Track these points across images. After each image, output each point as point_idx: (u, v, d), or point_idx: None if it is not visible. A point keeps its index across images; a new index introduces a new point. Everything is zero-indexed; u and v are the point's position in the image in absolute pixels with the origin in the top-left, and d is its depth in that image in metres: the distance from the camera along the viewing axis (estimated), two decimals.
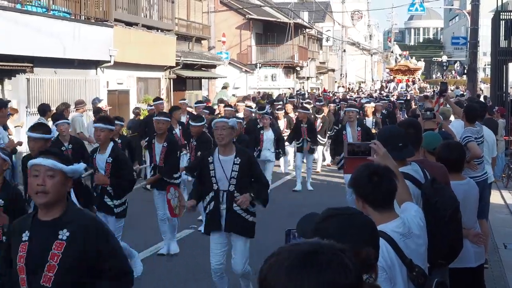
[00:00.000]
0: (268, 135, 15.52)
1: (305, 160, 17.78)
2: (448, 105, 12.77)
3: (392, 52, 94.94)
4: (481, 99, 25.65)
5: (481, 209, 8.10)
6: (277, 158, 16.60)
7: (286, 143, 17.62)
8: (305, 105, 21.02)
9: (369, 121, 16.93)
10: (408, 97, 35.56)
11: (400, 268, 3.58)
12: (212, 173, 7.68)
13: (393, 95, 38.50)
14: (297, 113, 19.21)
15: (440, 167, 5.63)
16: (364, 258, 2.59)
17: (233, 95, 29.86)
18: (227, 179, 7.63)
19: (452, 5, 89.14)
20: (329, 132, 20.27)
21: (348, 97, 33.09)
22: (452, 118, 12.44)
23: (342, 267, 1.90)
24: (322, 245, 1.95)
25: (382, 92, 51.01)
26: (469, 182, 6.34)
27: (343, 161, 4.53)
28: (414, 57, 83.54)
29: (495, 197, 13.60)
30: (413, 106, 23.27)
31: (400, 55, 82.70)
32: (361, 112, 17.74)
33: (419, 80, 70.97)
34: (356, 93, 46.78)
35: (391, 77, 68.48)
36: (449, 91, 28.67)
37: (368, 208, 3.69)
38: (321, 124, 19.88)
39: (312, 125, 17.63)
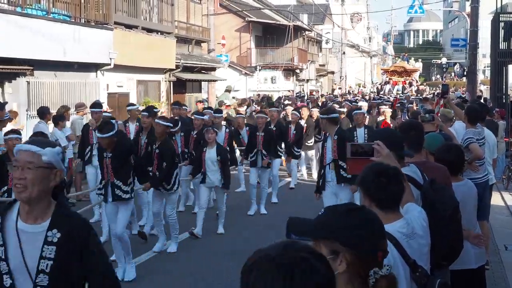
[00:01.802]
0: (211, 154, 12.26)
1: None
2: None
3: (386, 53, 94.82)
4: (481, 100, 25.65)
5: (482, 210, 8.12)
6: (225, 187, 12.54)
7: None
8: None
9: (360, 132, 14.27)
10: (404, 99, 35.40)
11: (403, 268, 3.60)
12: (1, 254, 3.63)
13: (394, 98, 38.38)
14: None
15: (441, 169, 5.64)
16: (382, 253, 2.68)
17: (233, 97, 29.85)
18: (28, 274, 3.61)
19: (452, 7, 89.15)
20: (318, 136, 18.55)
21: (343, 99, 33.01)
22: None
23: (310, 269, 2.01)
24: (287, 250, 2.06)
25: (379, 94, 50.80)
26: (467, 183, 6.35)
27: (346, 162, 4.40)
28: (412, 58, 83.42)
29: (495, 199, 13.64)
30: (415, 108, 23.24)
31: (397, 57, 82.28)
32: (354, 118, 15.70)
33: (417, 81, 70.68)
34: (354, 95, 46.74)
35: (387, 79, 68.05)
36: (451, 94, 28.69)
37: (374, 207, 3.72)
38: (305, 126, 18.32)
39: (270, 133, 14.99)
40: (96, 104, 13.79)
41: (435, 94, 33.30)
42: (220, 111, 16.05)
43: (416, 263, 3.67)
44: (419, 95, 47.74)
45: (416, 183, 4.82)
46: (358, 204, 2.94)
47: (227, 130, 14.66)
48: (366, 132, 14.22)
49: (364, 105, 19.97)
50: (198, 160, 12.60)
